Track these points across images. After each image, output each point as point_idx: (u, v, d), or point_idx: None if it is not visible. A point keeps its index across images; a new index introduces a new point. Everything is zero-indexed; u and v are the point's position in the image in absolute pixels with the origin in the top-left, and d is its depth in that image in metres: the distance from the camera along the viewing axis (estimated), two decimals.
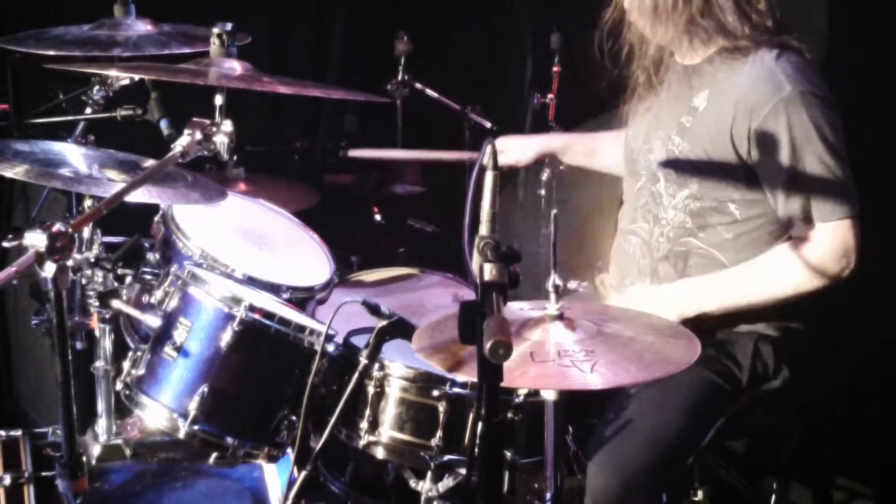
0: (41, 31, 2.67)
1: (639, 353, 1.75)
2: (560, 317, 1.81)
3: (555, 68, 3.78)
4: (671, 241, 2.36)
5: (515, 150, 2.82)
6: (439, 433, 2.13)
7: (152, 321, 2.22)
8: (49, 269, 1.64)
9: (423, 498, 2.19)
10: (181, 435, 2.16)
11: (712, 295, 2.28)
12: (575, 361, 1.69)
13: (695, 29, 2.28)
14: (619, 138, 2.70)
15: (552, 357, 1.71)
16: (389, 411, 2.18)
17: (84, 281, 2.64)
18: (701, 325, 2.21)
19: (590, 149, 2.84)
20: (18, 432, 2.65)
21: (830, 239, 2.19)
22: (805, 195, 2.19)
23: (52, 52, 2.57)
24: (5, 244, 2.33)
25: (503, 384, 1.50)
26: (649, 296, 2.34)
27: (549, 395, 1.80)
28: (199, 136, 2.02)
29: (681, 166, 2.32)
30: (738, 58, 2.26)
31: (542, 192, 3.50)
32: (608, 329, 1.83)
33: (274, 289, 2.43)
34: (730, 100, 2.24)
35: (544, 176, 3.62)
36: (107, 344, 2.73)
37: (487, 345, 1.40)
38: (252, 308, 2.17)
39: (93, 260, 2.58)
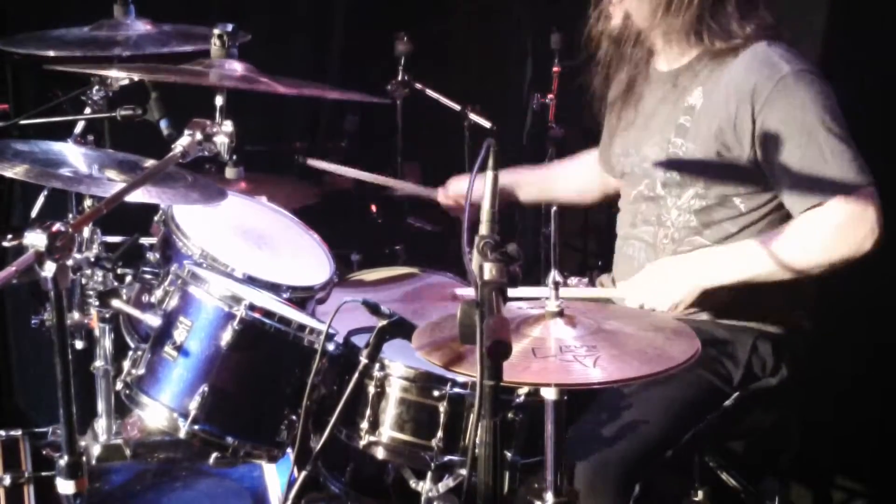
0: (41, 33, 2.68)
1: (641, 348, 1.75)
2: (560, 313, 1.81)
3: (555, 68, 3.78)
4: (676, 241, 2.36)
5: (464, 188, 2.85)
6: (440, 433, 2.13)
7: (152, 320, 2.22)
8: (49, 269, 1.64)
9: (423, 498, 2.18)
10: (181, 435, 2.15)
11: (731, 265, 2.25)
12: (577, 356, 1.69)
13: (698, 27, 2.28)
14: (573, 168, 2.84)
15: (554, 353, 1.71)
16: (390, 411, 2.17)
17: (84, 280, 2.64)
18: (709, 306, 2.23)
19: (542, 183, 2.88)
20: (18, 432, 2.64)
21: (851, 207, 2.16)
22: (818, 174, 2.17)
23: (52, 53, 2.58)
24: (5, 244, 2.33)
25: (506, 380, 1.50)
26: (662, 272, 2.30)
27: (549, 395, 1.80)
28: (199, 136, 2.02)
29: (684, 167, 2.32)
30: (729, 54, 2.27)
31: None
32: (608, 326, 1.83)
33: (274, 288, 2.43)
34: (728, 90, 2.24)
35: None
36: (107, 343, 2.73)
37: (487, 344, 1.41)
38: (252, 307, 2.17)
39: (93, 259, 2.58)
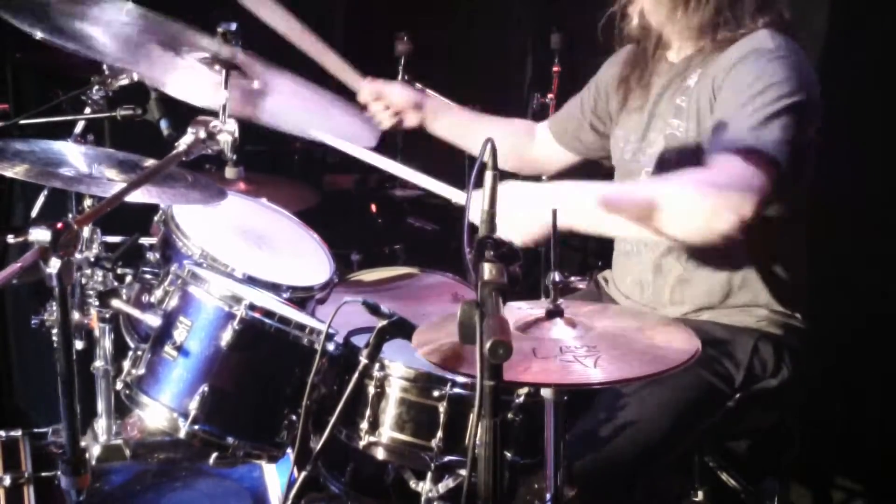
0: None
1: (640, 348, 1.75)
2: (560, 314, 1.81)
3: (555, 68, 3.79)
4: None
5: (389, 94, 2.77)
6: (440, 434, 2.13)
7: (152, 320, 2.22)
8: (54, 265, 1.64)
9: (423, 498, 2.18)
10: (181, 435, 2.15)
11: (590, 196, 2.04)
12: (577, 357, 1.69)
13: (716, 20, 2.28)
14: (508, 127, 2.82)
15: (554, 353, 1.71)
16: (390, 412, 2.17)
17: (84, 280, 2.64)
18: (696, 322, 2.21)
19: (465, 125, 2.80)
20: (18, 432, 2.65)
21: (740, 167, 2.04)
22: (727, 130, 2.11)
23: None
24: (10, 240, 2.33)
25: (507, 380, 1.49)
26: (515, 194, 2.06)
27: (548, 395, 1.80)
28: (203, 134, 2.02)
29: (678, 150, 2.31)
30: (733, 41, 2.27)
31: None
32: (608, 326, 1.83)
33: (274, 288, 2.43)
34: (718, 67, 2.24)
35: (544, 176, 3.62)
36: (107, 343, 2.73)
37: (487, 344, 1.41)
38: (252, 307, 2.17)
39: (93, 259, 2.59)
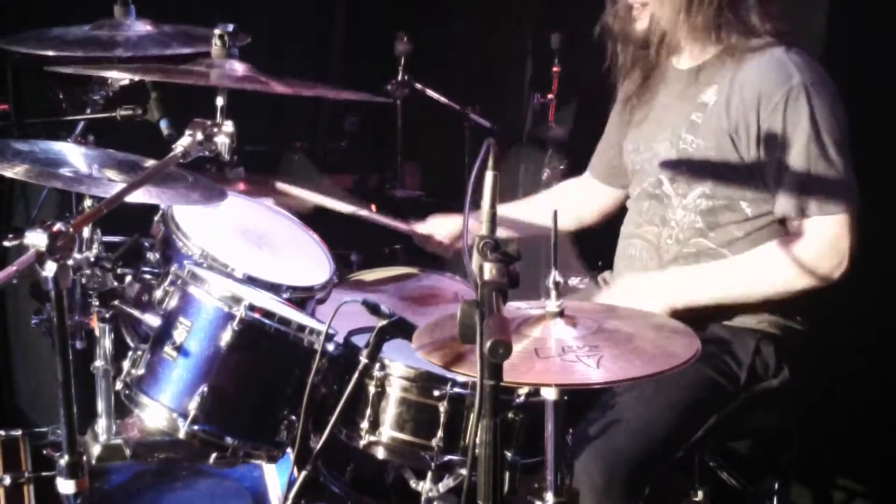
0: (42, 31, 2.67)
1: (642, 347, 1.75)
2: (561, 314, 1.81)
3: (555, 68, 3.79)
4: (681, 242, 2.36)
5: (446, 227, 2.82)
6: (440, 433, 2.13)
7: (152, 321, 2.22)
8: (50, 269, 1.64)
9: (423, 498, 2.18)
10: (181, 435, 2.15)
11: (700, 287, 2.29)
12: (580, 356, 1.69)
13: (718, 21, 2.28)
14: (555, 198, 2.83)
15: (556, 353, 1.71)
16: (390, 411, 2.17)
17: (84, 280, 2.64)
18: (699, 321, 2.22)
19: (522, 214, 2.79)
20: (18, 432, 2.64)
21: (825, 234, 2.19)
22: (804, 188, 2.19)
23: (51, 53, 2.57)
24: (6, 243, 2.33)
25: (510, 381, 1.49)
26: (636, 287, 2.34)
27: (549, 395, 1.80)
28: (200, 136, 2.02)
29: (693, 164, 2.32)
30: (748, 54, 2.27)
31: (543, 191, 3.50)
32: (609, 325, 1.83)
33: (274, 288, 2.43)
34: (740, 91, 2.25)
35: (544, 176, 3.63)
36: (107, 344, 2.73)
37: (487, 344, 1.41)
38: (252, 307, 2.17)
39: (93, 259, 2.58)
